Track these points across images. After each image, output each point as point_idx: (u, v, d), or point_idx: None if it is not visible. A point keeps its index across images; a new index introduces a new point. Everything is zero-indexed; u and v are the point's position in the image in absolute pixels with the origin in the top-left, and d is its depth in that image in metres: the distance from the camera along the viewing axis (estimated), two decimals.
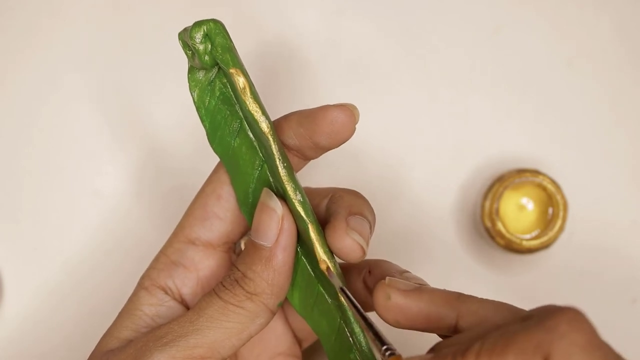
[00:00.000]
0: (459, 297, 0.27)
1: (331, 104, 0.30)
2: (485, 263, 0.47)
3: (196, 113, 0.32)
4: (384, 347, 0.26)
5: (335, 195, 0.32)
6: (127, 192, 0.47)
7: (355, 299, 0.30)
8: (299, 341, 0.36)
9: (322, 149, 0.31)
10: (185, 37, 0.30)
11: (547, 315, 0.23)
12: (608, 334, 0.46)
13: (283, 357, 0.35)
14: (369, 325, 0.27)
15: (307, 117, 0.30)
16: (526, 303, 0.46)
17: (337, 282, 0.30)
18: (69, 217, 0.47)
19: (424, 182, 0.47)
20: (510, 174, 0.44)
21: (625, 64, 0.48)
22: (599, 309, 0.46)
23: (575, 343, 0.22)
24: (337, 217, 0.30)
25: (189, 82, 0.31)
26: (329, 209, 0.31)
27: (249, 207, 0.32)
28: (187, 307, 0.32)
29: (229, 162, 0.32)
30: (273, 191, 0.31)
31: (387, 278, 0.29)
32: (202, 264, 0.33)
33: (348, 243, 0.29)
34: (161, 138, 0.47)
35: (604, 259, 0.46)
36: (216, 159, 0.33)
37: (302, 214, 0.30)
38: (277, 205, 0.30)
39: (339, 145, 0.30)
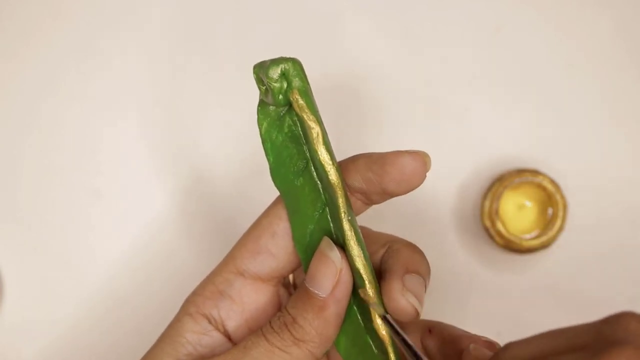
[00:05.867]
0: None
1: (402, 149, 0.29)
2: (485, 263, 0.47)
3: (261, 146, 0.31)
4: None
5: (393, 248, 0.31)
6: (127, 193, 0.47)
7: None
8: None
9: (389, 195, 0.30)
10: (261, 73, 0.29)
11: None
12: None
13: None
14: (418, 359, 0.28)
15: (376, 162, 0.29)
16: (526, 303, 0.46)
17: (379, 310, 0.29)
18: (69, 217, 0.47)
19: (424, 182, 0.47)
20: (510, 174, 0.44)
21: (625, 64, 0.48)
22: (598, 309, 0.46)
23: None
24: (393, 275, 0.30)
25: (258, 114, 0.30)
26: (385, 262, 0.31)
27: (304, 247, 0.31)
28: (230, 339, 0.32)
29: (289, 199, 0.31)
30: (332, 238, 0.30)
31: (472, 346, 0.29)
32: (249, 298, 0.32)
33: (403, 305, 0.29)
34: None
35: (604, 259, 0.46)
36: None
37: (361, 271, 0.29)
38: (336, 257, 0.29)
39: (407, 192, 0.30)
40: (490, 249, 0.46)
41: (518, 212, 0.45)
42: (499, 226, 0.44)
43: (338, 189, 0.29)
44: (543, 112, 0.47)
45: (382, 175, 0.29)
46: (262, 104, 0.30)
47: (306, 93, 0.29)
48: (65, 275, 0.46)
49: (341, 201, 0.29)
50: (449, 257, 0.46)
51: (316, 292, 0.29)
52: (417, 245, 0.32)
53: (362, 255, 0.29)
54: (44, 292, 0.46)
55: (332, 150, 0.29)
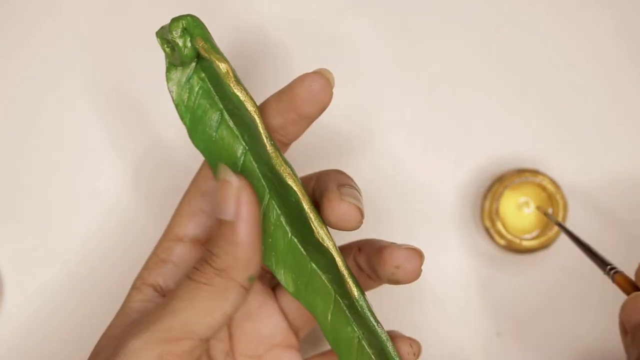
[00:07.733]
0: None
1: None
2: (485, 263, 0.47)
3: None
4: (608, 267, 0.35)
5: (321, 175, 0.32)
6: (128, 192, 0.47)
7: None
8: (295, 331, 0.36)
9: (304, 119, 0.31)
10: (164, 33, 0.31)
11: None
12: (609, 334, 0.46)
13: (280, 349, 0.35)
14: (589, 250, 0.37)
15: (285, 91, 0.31)
16: (526, 303, 0.46)
17: None
18: (69, 217, 0.47)
19: (424, 182, 0.47)
20: (510, 174, 0.44)
21: (625, 64, 0.48)
22: (599, 309, 0.46)
23: None
24: (329, 188, 0.31)
25: (167, 80, 0.32)
26: (318, 188, 0.32)
27: None
28: None
29: (211, 156, 0.32)
30: (258, 176, 0.32)
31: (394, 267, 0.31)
32: (190, 260, 0.33)
33: (345, 207, 0.29)
34: (162, 137, 0.47)
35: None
36: None
37: (294, 187, 0.30)
38: (233, 178, 0.30)
39: (320, 113, 0.31)
40: (490, 249, 0.46)
41: (518, 212, 0.45)
42: (499, 226, 0.44)
43: (256, 115, 0.30)
44: (543, 112, 0.47)
45: (293, 99, 0.31)
46: (169, 71, 0.32)
47: (209, 39, 0.31)
48: (66, 275, 0.46)
49: (261, 127, 0.30)
50: (449, 257, 0.46)
51: (223, 217, 0.29)
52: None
53: (291, 171, 0.30)
54: (44, 293, 0.46)
55: (244, 85, 0.30)
